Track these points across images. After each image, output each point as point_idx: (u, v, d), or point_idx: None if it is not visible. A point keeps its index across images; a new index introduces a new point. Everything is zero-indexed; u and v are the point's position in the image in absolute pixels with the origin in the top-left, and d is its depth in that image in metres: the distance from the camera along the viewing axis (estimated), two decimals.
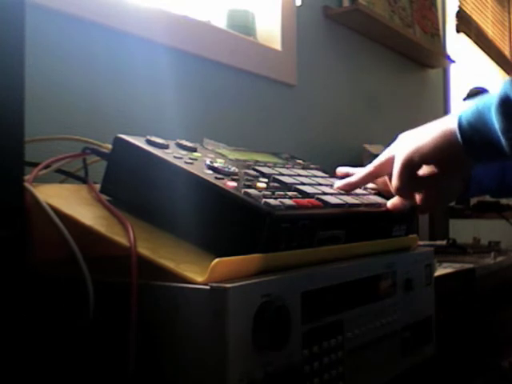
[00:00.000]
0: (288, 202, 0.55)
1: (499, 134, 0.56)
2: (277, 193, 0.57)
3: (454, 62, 2.31)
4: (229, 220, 0.53)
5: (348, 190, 0.69)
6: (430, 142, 0.62)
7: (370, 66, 1.92)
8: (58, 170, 0.67)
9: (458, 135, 0.59)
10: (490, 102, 0.58)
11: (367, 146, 1.63)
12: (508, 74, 3.22)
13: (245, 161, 0.70)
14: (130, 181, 0.61)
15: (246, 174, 0.63)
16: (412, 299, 0.71)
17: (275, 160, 0.77)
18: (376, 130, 1.90)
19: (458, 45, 2.62)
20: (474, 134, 0.59)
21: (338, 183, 0.70)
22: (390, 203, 0.69)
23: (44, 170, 0.63)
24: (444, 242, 1.56)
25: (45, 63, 0.91)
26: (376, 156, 0.71)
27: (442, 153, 0.62)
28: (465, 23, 2.64)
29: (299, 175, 0.69)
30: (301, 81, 1.53)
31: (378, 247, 0.67)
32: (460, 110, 0.61)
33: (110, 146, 0.64)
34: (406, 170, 0.65)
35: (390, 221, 0.71)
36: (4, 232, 0.37)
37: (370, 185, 0.77)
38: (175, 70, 1.15)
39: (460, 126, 0.60)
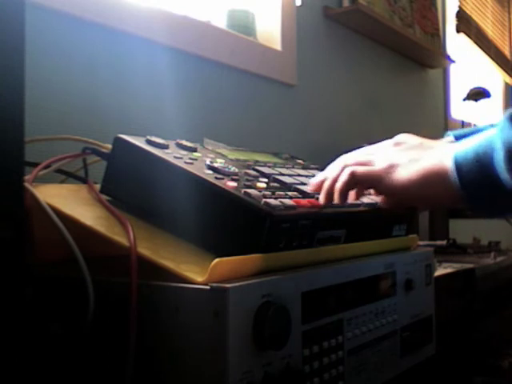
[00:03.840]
0: (288, 202, 0.55)
1: None
2: (277, 193, 0.57)
3: (453, 61, 2.31)
4: (229, 220, 0.53)
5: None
6: (418, 183, 0.56)
7: (370, 66, 1.92)
8: (58, 170, 0.67)
9: (460, 188, 0.53)
10: (491, 152, 0.51)
11: None
12: (508, 73, 3.22)
13: (245, 161, 0.70)
14: (130, 181, 0.60)
15: (246, 174, 0.63)
16: (412, 299, 0.71)
17: (275, 160, 0.77)
18: (376, 130, 1.90)
19: (457, 45, 2.62)
20: (483, 193, 0.52)
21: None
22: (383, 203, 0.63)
23: (44, 170, 0.63)
24: (444, 242, 1.57)
25: (45, 63, 0.91)
26: None
27: (430, 198, 0.57)
28: (465, 23, 2.64)
29: (299, 175, 0.69)
30: (301, 81, 1.53)
31: (378, 247, 0.67)
32: (455, 152, 0.54)
33: (109, 146, 0.64)
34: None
35: (389, 221, 0.71)
36: (4, 232, 0.37)
37: None
38: (175, 70, 1.15)
39: (462, 180, 0.53)
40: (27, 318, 0.40)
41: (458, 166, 0.53)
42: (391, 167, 0.58)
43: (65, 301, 0.54)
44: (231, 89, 1.31)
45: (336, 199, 0.59)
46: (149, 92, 1.09)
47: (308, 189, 0.62)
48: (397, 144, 0.61)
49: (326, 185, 0.60)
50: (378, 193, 0.63)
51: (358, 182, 0.59)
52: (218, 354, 0.44)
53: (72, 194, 0.62)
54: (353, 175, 0.58)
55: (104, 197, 0.61)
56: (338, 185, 0.59)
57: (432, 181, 0.55)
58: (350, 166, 0.60)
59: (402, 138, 0.62)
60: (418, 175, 0.56)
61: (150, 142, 0.61)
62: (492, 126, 0.56)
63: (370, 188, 0.63)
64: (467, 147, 0.53)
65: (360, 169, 0.59)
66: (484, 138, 0.53)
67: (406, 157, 0.58)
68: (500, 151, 0.50)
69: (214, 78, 1.26)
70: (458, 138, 0.65)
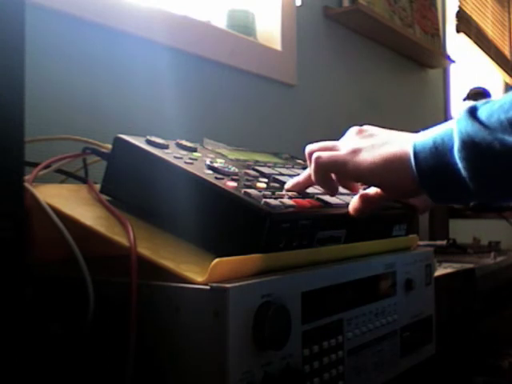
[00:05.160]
0: (288, 202, 0.55)
1: (467, 180, 0.51)
2: (277, 193, 0.57)
3: (453, 61, 2.31)
4: (229, 220, 0.53)
5: (297, 189, 0.62)
6: (382, 166, 0.56)
7: (370, 66, 1.92)
8: (58, 170, 0.67)
9: (416, 174, 0.54)
10: (449, 143, 0.52)
11: None
12: (508, 73, 3.22)
13: (245, 161, 0.70)
14: (130, 181, 0.61)
15: (246, 174, 0.63)
16: (412, 299, 0.71)
17: (275, 160, 0.77)
18: None
19: (457, 45, 2.62)
20: (436, 179, 0.54)
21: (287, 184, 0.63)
22: (351, 208, 0.61)
23: (44, 170, 0.63)
24: (444, 242, 1.56)
25: (45, 63, 0.91)
26: None
27: (393, 182, 0.57)
28: (465, 23, 2.64)
29: (299, 175, 0.69)
30: (301, 81, 1.53)
31: (377, 247, 0.67)
32: (415, 140, 0.55)
33: (109, 146, 0.64)
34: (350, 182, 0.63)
35: (389, 221, 0.71)
36: (4, 232, 0.37)
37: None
38: (175, 70, 1.15)
39: (418, 166, 0.54)
40: (27, 318, 0.40)
41: (416, 153, 0.55)
42: (355, 151, 0.58)
43: (65, 301, 0.54)
44: (231, 89, 1.31)
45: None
46: (149, 92, 1.09)
47: (285, 187, 0.62)
48: (360, 131, 0.62)
49: (313, 181, 0.61)
50: (343, 177, 0.62)
51: (323, 166, 0.59)
52: (218, 354, 0.44)
53: (72, 194, 0.62)
54: (317, 161, 0.59)
55: (104, 197, 0.61)
56: (314, 179, 0.60)
57: (394, 165, 0.56)
58: (315, 152, 0.60)
59: (366, 126, 0.63)
60: (381, 159, 0.57)
61: (149, 142, 0.61)
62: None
63: (335, 173, 0.61)
64: (426, 137, 0.55)
65: (325, 154, 0.60)
66: (443, 129, 0.54)
67: (369, 142, 0.59)
68: (456, 140, 0.52)
69: (214, 78, 1.26)
70: None
